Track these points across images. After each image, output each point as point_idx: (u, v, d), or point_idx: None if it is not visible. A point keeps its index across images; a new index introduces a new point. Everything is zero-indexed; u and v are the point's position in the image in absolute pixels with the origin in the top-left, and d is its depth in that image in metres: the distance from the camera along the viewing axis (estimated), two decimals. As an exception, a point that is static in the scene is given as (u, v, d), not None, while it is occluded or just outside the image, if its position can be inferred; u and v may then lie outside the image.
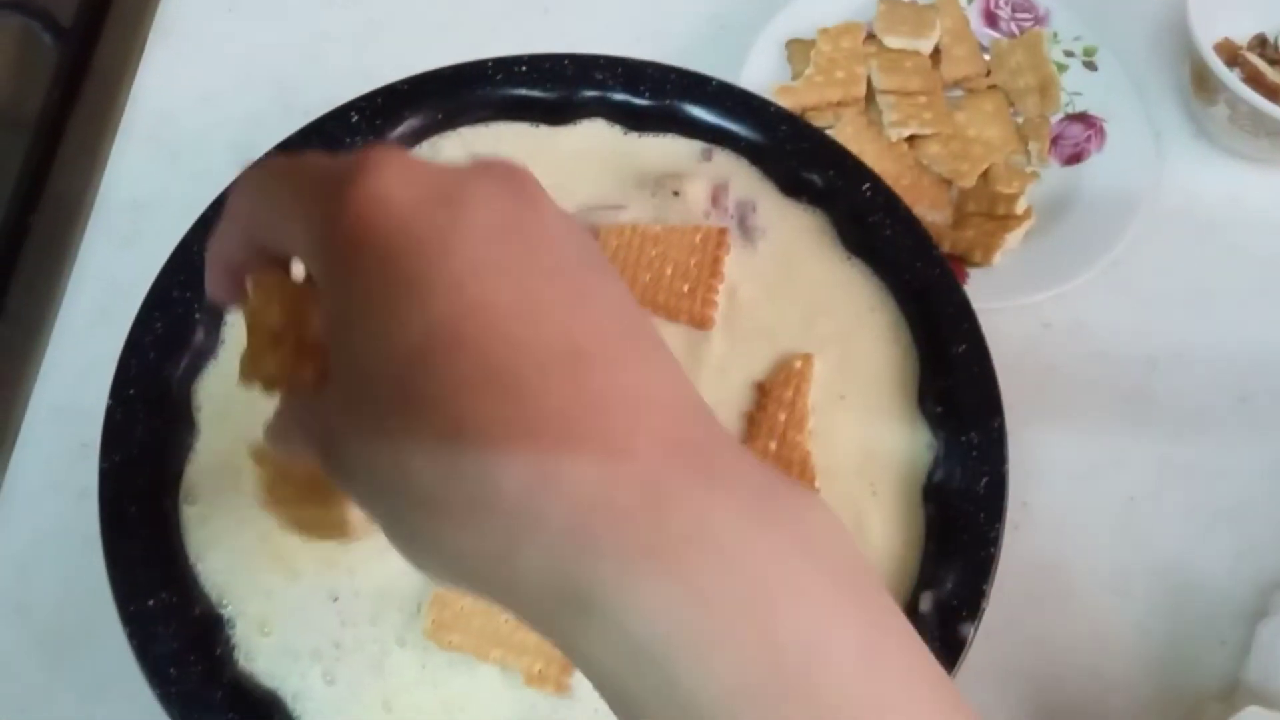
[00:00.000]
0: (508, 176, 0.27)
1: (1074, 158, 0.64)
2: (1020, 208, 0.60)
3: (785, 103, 0.58)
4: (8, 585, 0.52)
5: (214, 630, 0.43)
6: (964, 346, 0.48)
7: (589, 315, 0.25)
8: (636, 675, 0.23)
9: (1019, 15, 0.68)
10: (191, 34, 0.66)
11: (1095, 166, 0.63)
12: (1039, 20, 0.67)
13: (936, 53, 0.66)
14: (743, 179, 0.53)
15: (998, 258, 0.59)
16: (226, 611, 0.43)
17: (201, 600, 0.43)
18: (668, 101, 0.53)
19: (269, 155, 0.28)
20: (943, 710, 0.24)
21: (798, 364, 0.49)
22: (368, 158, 0.26)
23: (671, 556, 0.23)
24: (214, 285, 0.32)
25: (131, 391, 0.46)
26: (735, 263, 0.51)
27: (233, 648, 0.43)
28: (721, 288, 0.50)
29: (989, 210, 0.60)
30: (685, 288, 0.50)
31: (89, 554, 0.44)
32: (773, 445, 0.47)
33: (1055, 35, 0.67)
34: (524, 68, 0.53)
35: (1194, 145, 0.66)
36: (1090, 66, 0.66)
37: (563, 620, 0.24)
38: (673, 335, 0.49)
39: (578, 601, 0.23)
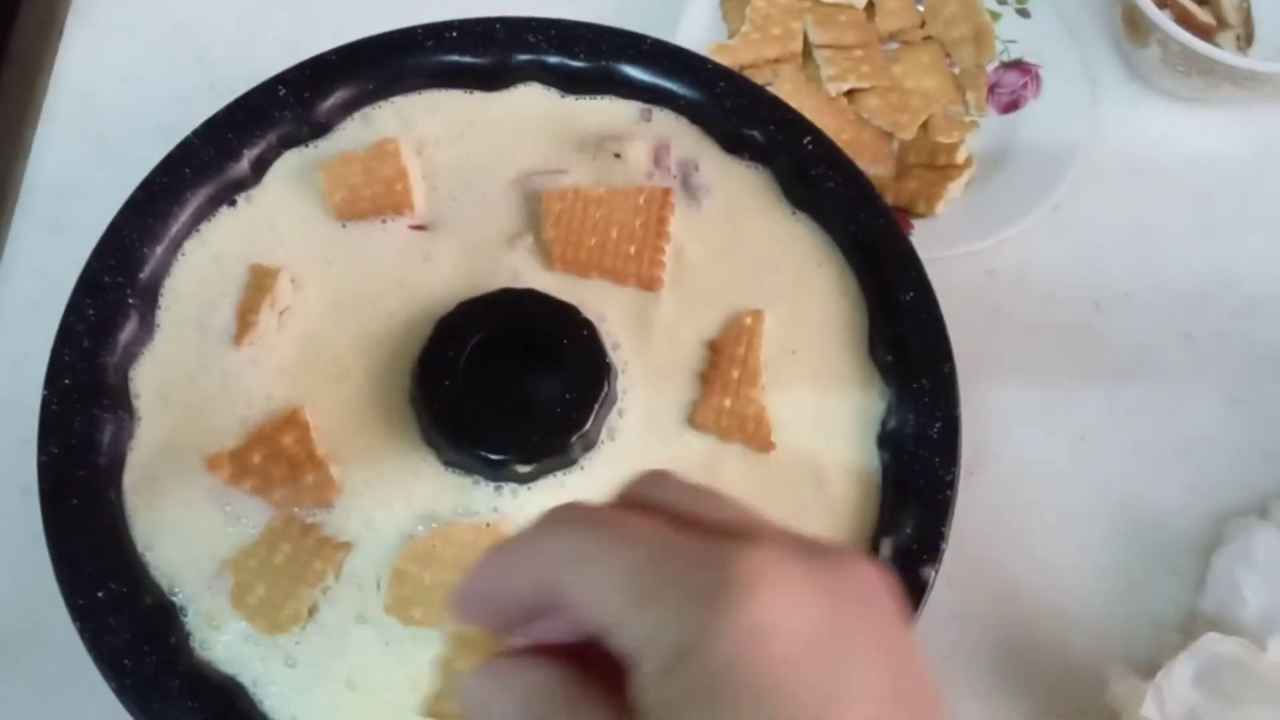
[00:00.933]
0: (890, 619, 0.24)
1: (1011, 105, 0.64)
2: (960, 157, 0.60)
3: (723, 61, 0.57)
4: (-47, 590, 0.50)
5: (167, 619, 0.42)
6: (911, 294, 0.48)
7: None
8: None
9: None
10: (112, 14, 0.64)
11: (1032, 113, 0.63)
12: None
13: (871, 7, 0.66)
14: (684, 138, 0.52)
15: (940, 208, 0.59)
16: (178, 599, 0.43)
17: (152, 589, 0.42)
18: (603, 63, 0.52)
19: (601, 507, 0.26)
20: None
21: (748, 320, 0.48)
22: (751, 569, 0.23)
23: None
24: (465, 598, 0.27)
25: (66, 381, 0.45)
26: (681, 223, 0.50)
27: (188, 635, 0.42)
28: (668, 248, 0.50)
29: (930, 161, 0.60)
30: (631, 250, 0.49)
31: (36, 552, 0.43)
32: (728, 402, 0.47)
33: None
34: (455, 33, 0.52)
35: (1128, 88, 0.66)
36: (1023, 14, 0.66)
37: None
38: (621, 298, 0.49)
39: None
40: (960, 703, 0.50)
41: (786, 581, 0.23)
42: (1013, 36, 0.65)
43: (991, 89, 0.64)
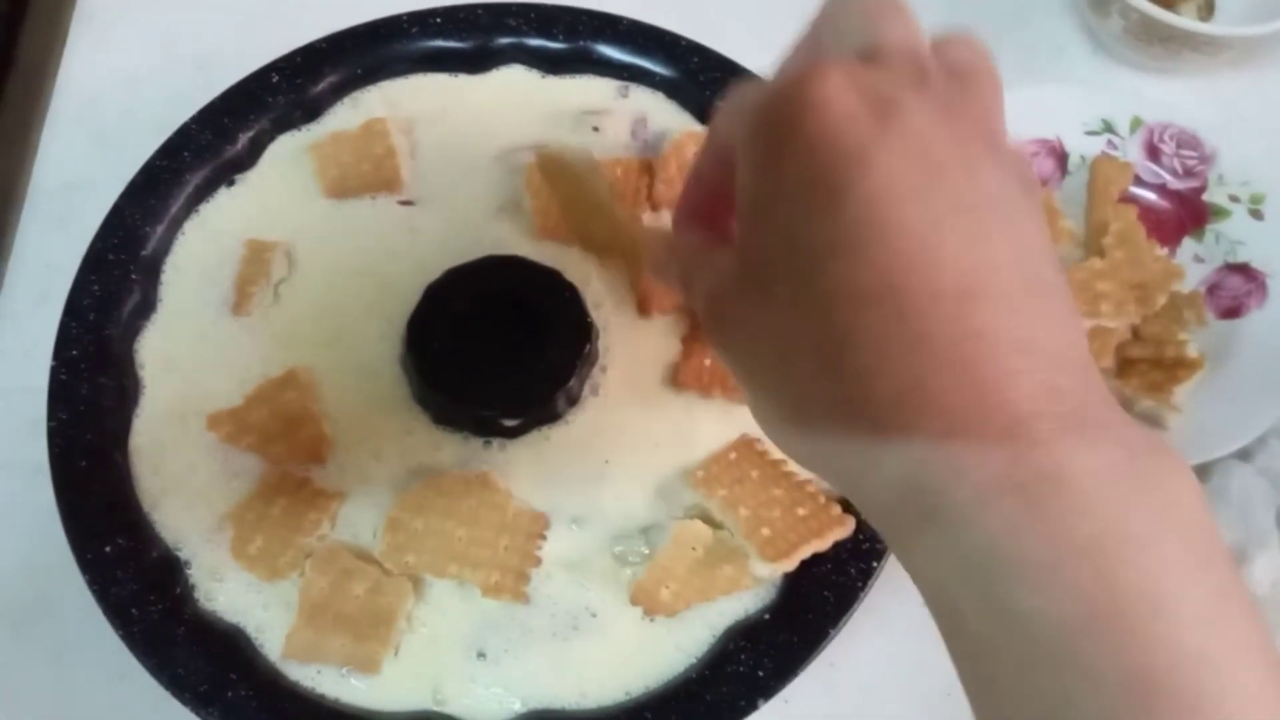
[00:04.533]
0: (949, 101, 0.27)
1: (1231, 311, 0.59)
2: (1191, 352, 0.55)
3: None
4: (-34, 564, 0.52)
5: (172, 571, 0.44)
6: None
7: (986, 252, 0.26)
8: (964, 588, 0.25)
9: (1183, 152, 0.63)
10: (113, 19, 0.66)
11: (1255, 324, 0.58)
12: (1204, 160, 0.63)
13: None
14: (660, 112, 0.55)
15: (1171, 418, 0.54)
16: (182, 554, 0.44)
17: (158, 544, 0.44)
18: (581, 43, 0.55)
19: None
20: (1275, 682, 0.23)
21: (725, 280, 0.50)
22: (813, 67, 0.26)
23: (1025, 491, 0.24)
24: (683, 201, 0.36)
25: (74, 352, 0.47)
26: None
27: (192, 587, 0.44)
28: (646, 216, 0.52)
29: (1157, 356, 0.56)
30: (613, 218, 0.51)
31: (47, 527, 0.45)
32: (708, 361, 0.49)
33: (1220, 178, 0.62)
34: (439, 19, 0.54)
35: (1093, 60, 0.68)
36: (1256, 215, 0.60)
37: (903, 524, 0.26)
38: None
39: (921, 512, 0.25)
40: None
41: (843, 74, 0.26)
42: (1241, 238, 0.60)
43: (1211, 289, 0.60)
